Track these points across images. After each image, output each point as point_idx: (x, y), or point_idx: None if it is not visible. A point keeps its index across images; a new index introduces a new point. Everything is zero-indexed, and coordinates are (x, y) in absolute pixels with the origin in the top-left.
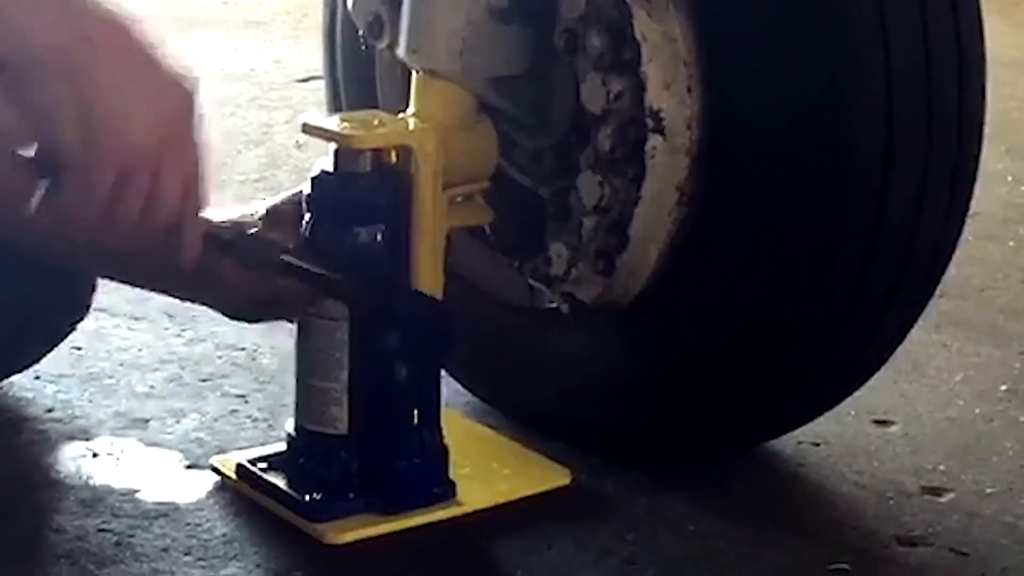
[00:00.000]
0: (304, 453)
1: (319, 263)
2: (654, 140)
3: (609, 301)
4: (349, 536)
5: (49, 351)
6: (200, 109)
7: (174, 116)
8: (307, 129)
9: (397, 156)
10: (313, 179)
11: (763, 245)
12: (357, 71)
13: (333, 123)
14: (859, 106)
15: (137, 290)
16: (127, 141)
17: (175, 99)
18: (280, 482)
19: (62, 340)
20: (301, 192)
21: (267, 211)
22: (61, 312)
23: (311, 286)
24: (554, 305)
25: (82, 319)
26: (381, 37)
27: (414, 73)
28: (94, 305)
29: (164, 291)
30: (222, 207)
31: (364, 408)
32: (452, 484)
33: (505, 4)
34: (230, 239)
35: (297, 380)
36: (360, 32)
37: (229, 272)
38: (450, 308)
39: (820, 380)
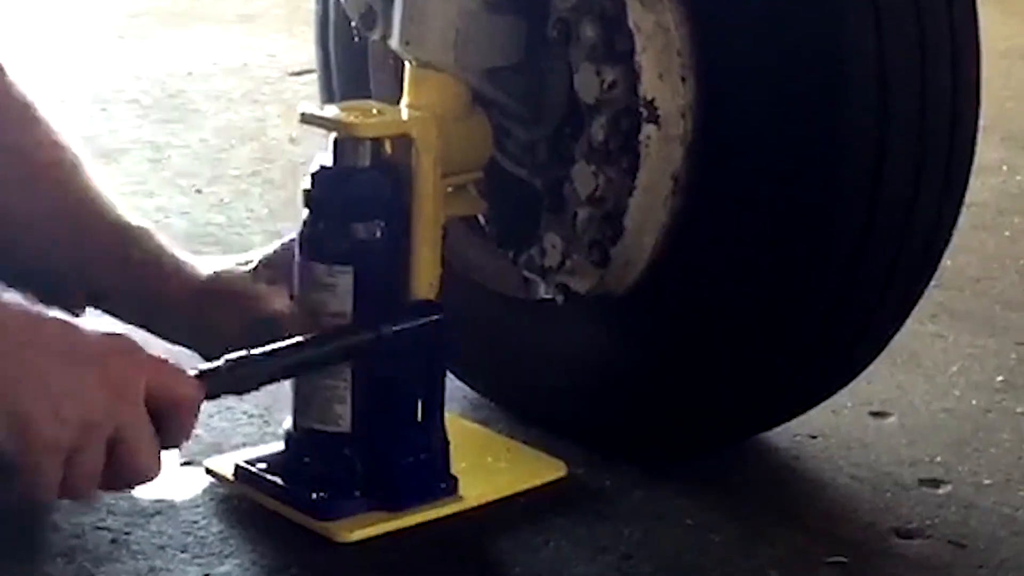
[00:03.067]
0: (306, 451)
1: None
2: (648, 130)
3: (604, 292)
4: (358, 534)
5: None
6: (141, 358)
7: (106, 383)
8: (305, 118)
9: (394, 147)
10: (312, 175)
11: (758, 234)
12: (350, 63)
13: (332, 112)
14: (853, 95)
15: None
16: (61, 425)
17: (103, 368)
18: (281, 481)
19: None
20: (293, 240)
21: (260, 262)
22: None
23: (309, 368)
24: (548, 296)
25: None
26: (374, 28)
27: (407, 64)
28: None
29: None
30: (216, 258)
31: (368, 405)
32: (454, 479)
33: None
34: (212, 383)
35: (295, 379)
36: (353, 24)
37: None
38: (450, 305)
39: (816, 370)
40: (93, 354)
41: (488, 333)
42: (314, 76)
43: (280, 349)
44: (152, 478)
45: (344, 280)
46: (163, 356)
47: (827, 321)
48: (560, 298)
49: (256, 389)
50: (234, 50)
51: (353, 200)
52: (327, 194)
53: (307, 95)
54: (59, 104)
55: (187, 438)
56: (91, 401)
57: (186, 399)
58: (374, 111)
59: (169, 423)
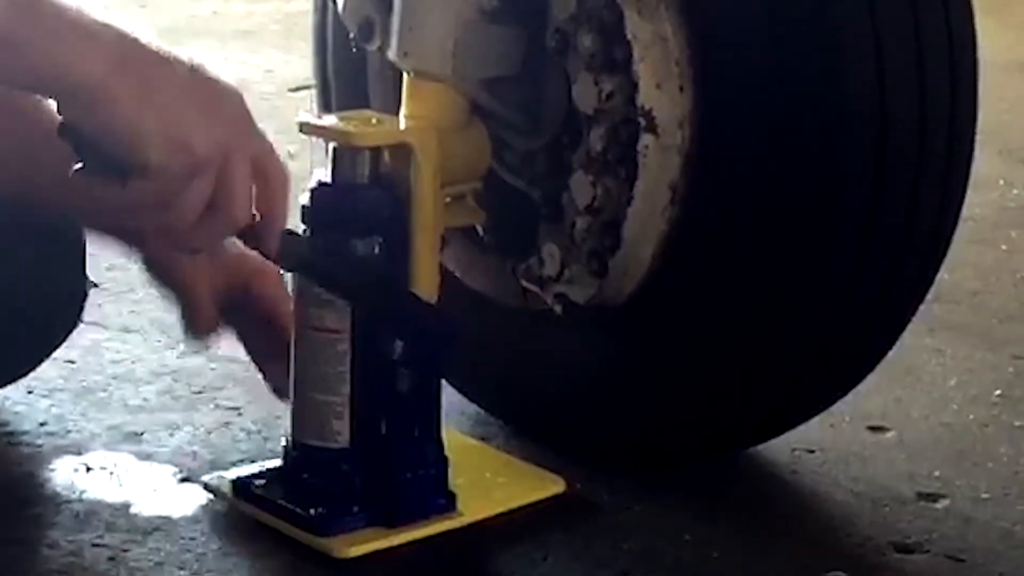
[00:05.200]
0: (305, 468)
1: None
2: (646, 140)
3: (602, 302)
4: (356, 550)
5: (41, 361)
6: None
7: (231, 121)
8: (304, 128)
9: (393, 157)
10: (310, 191)
11: (756, 245)
12: (348, 75)
13: (331, 121)
14: (851, 105)
15: (130, 303)
16: (192, 150)
17: (230, 105)
18: (280, 497)
19: (54, 350)
20: None
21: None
22: (53, 321)
23: (325, 286)
24: (547, 306)
25: (75, 327)
26: (372, 39)
27: (405, 75)
28: (87, 319)
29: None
30: None
31: (366, 421)
32: (452, 495)
33: (496, 5)
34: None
35: (295, 394)
36: (351, 34)
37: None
38: (449, 316)
39: (815, 381)
40: (235, 109)
41: (486, 343)
42: (312, 92)
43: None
44: (233, 229)
45: None
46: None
47: (825, 332)
48: (559, 308)
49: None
50: (232, 66)
51: (351, 216)
52: (325, 210)
53: (305, 111)
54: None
55: (279, 220)
56: (219, 134)
57: (282, 182)
58: (373, 121)
59: (265, 197)
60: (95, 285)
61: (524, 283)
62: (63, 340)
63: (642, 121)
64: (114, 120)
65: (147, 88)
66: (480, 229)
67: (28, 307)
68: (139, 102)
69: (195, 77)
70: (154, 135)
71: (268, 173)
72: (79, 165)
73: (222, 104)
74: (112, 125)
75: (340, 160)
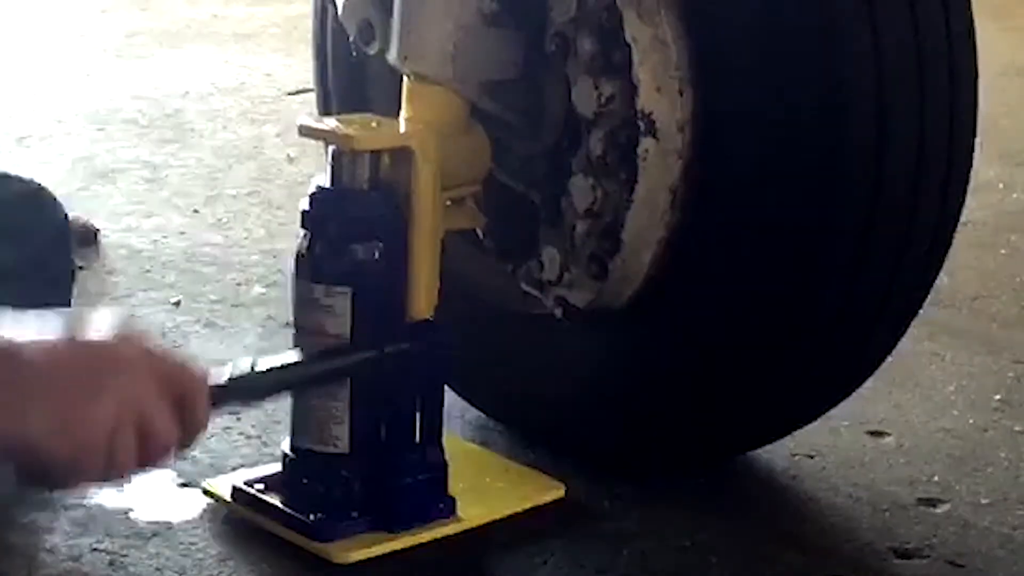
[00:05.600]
0: (305, 472)
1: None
2: (646, 143)
3: (602, 305)
4: (356, 555)
5: None
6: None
7: (121, 377)
8: (304, 131)
9: (393, 160)
10: (310, 195)
11: (756, 248)
12: (347, 79)
13: (331, 124)
14: (851, 108)
15: (129, 308)
16: (89, 431)
17: (113, 362)
18: (279, 502)
19: None
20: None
21: None
22: (47, 300)
23: (309, 384)
24: (547, 310)
25: (67, 307)
26: (372, 43)
27: (405, 78)
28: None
29: None
30: None
31: (366, 426)
32: (452, 500)
33: (496, 8)
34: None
35: (294, 399)
36: (351, 38)
37: None
38: (448, 325)
39: (814, 385)
40: (110, 355)
41: (486, 347)
42: (311, 96)
43: (283, 364)
44: (171, 455)
45: (342, 301)
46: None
47: (825, 336)
48: (559, 311)
49: (258, 403)
50: (231, 70)
51: (351, 221)
52: (325, 215)
53: (305, 114)
54: (56, 124)
55: (203, 423)
56: (118, 394)
57: (196, 383)
58: (373, 124)
59: (184, 409)
60: (81, 267)
61: (524, 286)
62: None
63: (642, 125)
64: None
65: (20, 397)
66: (480, 232)
67: (21, 286)
68: (15, 415)
69: (68, 357)
70: (44, 440)
71: (182, 386)
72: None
73: (103, 369)
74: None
75: (340, 163)
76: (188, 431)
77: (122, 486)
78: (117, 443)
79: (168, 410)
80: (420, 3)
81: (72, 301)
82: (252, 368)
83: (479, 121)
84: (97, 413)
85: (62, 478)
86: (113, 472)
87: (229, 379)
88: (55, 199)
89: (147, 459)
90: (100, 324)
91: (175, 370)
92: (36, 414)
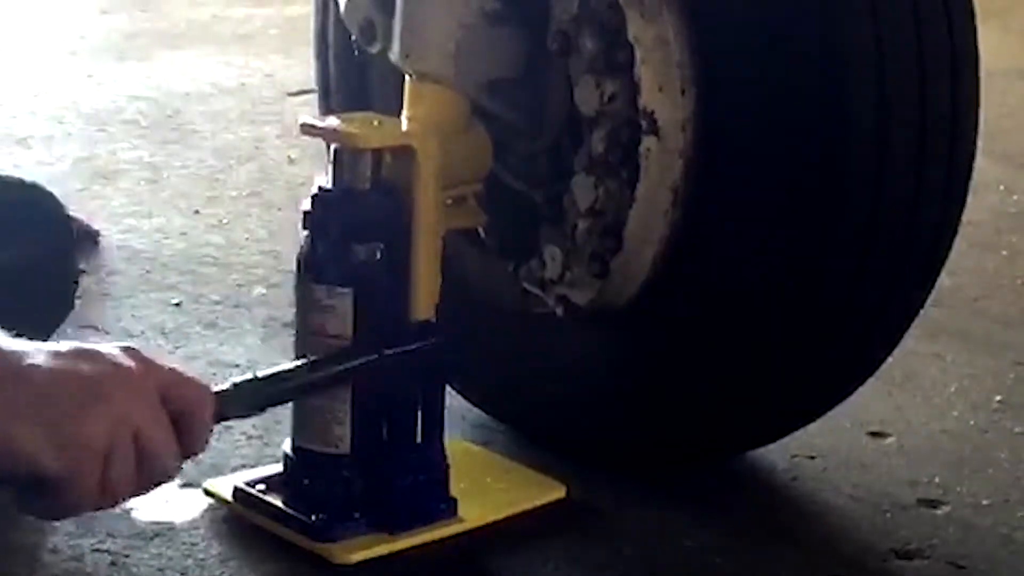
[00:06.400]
0: (306, 473)
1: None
2: (648, 142)
3: (604, 304)
4: (357, 556)
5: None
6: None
7: (117, 393)
8: (306, 129)
9: (394, 159)
10: (312, 196)
11: (757, 247)
12: (349, 78)
13: (333, 123)
14: (853, 108)
15: (130, 308)
16: (85, 444)
17: (108, 378)
18: (281, 503)
19: (52, 333)
20: None
21: None
22: (50, 303)
23: (311, 391)
24: (549, 308)
25: (72, 308)
26: (374, 42)
27: (407, 77)
28: (86, 323)
29: None
30: None
31: (367, 427)
32: (454, 501)
33: (498, 7)
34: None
35: (296, 401)
36: (353, 37)
37: None
38: (449, 325)
39: (815, 384)
40: (108, 370)
41: (487, 346)
42: (312, 97)
43: (284, 371)
44: (172, 475)
45: (344, 302)
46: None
47: (826, 335)
48: (560, 310)
49: (260, 412)
50: (232, 70)
51: (353, 222)
52: (327, 216)
53: (306, 115)
54: (57, 125)
55: (205, 441)
56: (115, 410)
57: (199, 400)
58: (375, 123)
59: (185, 426)
60: (84, 271)
61: (525, 285)
62: (61, 321)
63: (644, 123)
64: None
65: (14, 414)
66: (481, 231)
67: (25, 289)
68: (9, 432)
69: (65, 372)
70: (38, 458)
71: (183, 401)
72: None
73: (100, 384)
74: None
75: (342, 162)
76: (188, 448)
77: (120, 507)
78: (114, 460)
79: (167, 426)
80: (422, 2)
81: (75, 303)
82: (254, 379)
83: (481, 120)
84: (92, 429)
85: (59, 499)
86: (108, 495)
87: (231, 388)
88: (57, 201)
89: (145, 477)
90: (101, 346)
91: (177, 385)
92: (30, 431)
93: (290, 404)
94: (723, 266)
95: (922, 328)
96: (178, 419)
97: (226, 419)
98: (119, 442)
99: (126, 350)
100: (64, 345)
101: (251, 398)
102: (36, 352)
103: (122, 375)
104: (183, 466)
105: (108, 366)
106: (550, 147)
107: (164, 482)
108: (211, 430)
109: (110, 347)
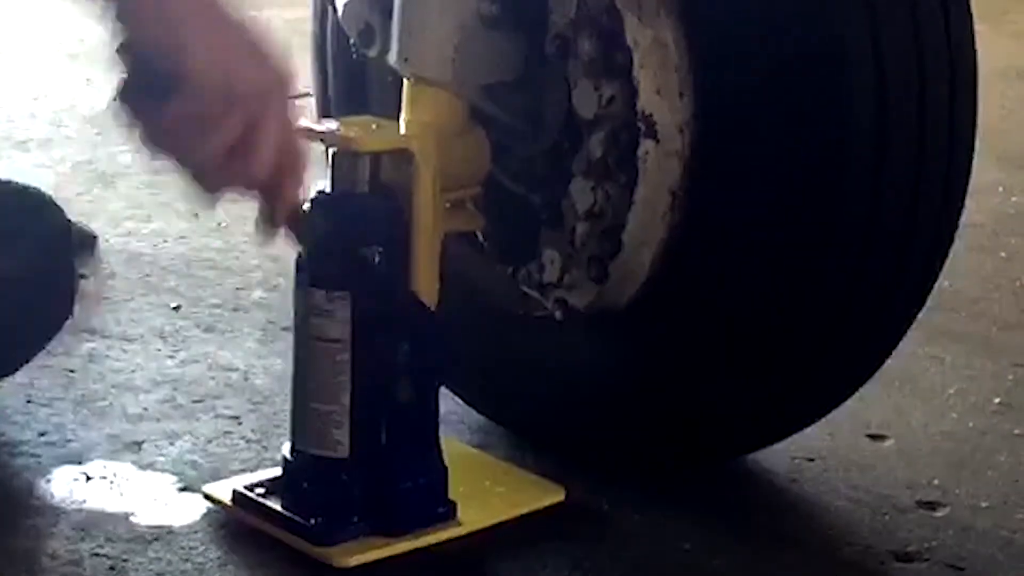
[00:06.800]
0: (305, 477)
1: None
2: (646, 145)
3: (603, 307)
4: (356, 559)
5: (41, 349)
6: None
7: (275, 79)
8: (304, 133)
9: (393, 163)
10: (310, 200)
11: (756, 250)
12: (347, 81)
13: (331, 126)
14: (851, 110)
15: (129, 311)
16: (231, 83)
17: (277, 71)
18: (280, 507)
19: (51, 338)
20: None
21: None
22: (48, 309)
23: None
24: (548, 312)
25: (70, 315)
26: (372, 45)
27: (405, 81)
28: (85, 327)
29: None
30: None
31: (366, 430)
32: (452, 504)
33: (496, 11)
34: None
35: (295, 403)
36: (351, 41)
37: None
38: (448, 322)
39: (814, 386)
40: (276, 58)
41: (485, 349)
42: (309, 101)
43: None
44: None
45: (342, 306)
46: None
47: (825, 337)
48: (559, 313)
49: None
50: None
51: (351, 226)
52: (325, 219)
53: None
54: (56, 129)
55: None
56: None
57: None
58: (373, 126)
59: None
60: (84, 276)
61: (524, 288)
62: (59, 328)
63: (642, 126)
64: (166, 37)
65: (205, 18)
66: (480, 235)
67: (24, 296)
68: (192, 27)
69: (253, 31)
70: (199, 58)
71: (291, 148)
72: (124, 79)
73: (271, 64)
74: (163, 40)
75: (340, 166)
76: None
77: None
78: (229, 120)
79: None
80: (420, 5)
81: (74, 310)
82: None
83: (479, 123)
84: (243, 70)
85: (184, 106)
86: (200, 145)
87: None
88: (57, 205)
89: (233, 168)
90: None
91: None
92: (198, 43)
93: (289, 407)
94: (722, 268)
95: (921, 330)
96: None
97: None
98: (240, 112)
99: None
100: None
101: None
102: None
103: (283, 84)
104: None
105: (284, 74)
106: (548, 150)
107: (241, 185)
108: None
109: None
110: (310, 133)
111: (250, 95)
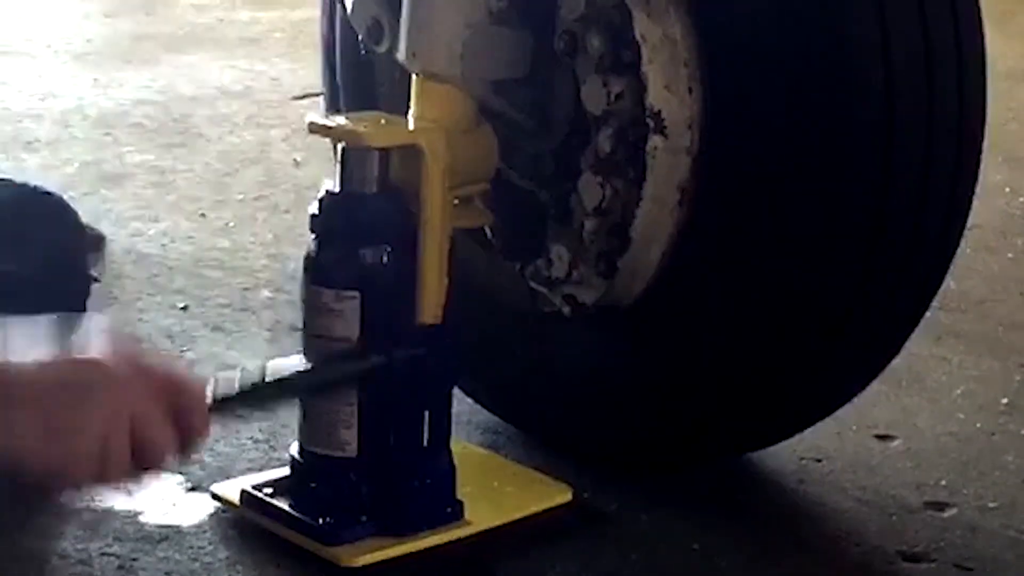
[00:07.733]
0: (313, 477)
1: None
2: (655, 141)
3: (611, 303)
4: (365, 559)
5: None
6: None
7: (110, 393)
8: (314, 128)
9: (402, 159)
10: (319, 200)
11: (764, 246)
12: (356, 78)
13: (340, 122)
14: (859, 110)
15: (136, 312)
16: (78, 443)
17: (103, 380)
18: (288, 507)
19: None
20: None
21: None
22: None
23: (317, 391)
24: (556, 308)
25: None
26: (381, 41)
27: (414, 77)
28: None
29: None
30: None
31: (374, 430)
32: (460, 504)
33: (504, 7)
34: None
35: (303, 403)
36: (360, 37)
37: None
38: (456, 327)
39: (821, 384)
40: (97, 366)
41: (494, 345)
42: (317, 100)
43: (291, 374)
44: (166, 458)
45: (351, 305)
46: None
47: (832, 336)
48: (567, 309)
49: (265, 410)
50: (237, 74)
51: (360, 225)
52: (334, 219)
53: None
54: (63, 129)
55: (201, 432)
56: (107, 402)
57: (191, 390)
58: (382, 121)
59: (180, 418)
60: (96, 280)
61: (532, 284)
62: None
63: (651, 122)
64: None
65: (9, 409)
66: (488, 231)
67: (38, 297)
68: (3, 428)
69: (58, 370)
70: (34, 450)
71: (177, 393)
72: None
73: (92, 380)
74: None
75: (348, 161)
76: (186, 438)
77: (126, 490)
78: (110, 449)
79: (163, 417)
80: (429, 2)
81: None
82: (261, 375)
83: (487, 119)
84: (87, 421)
85: (56, 486)
86: (109, 477)
87: (236, 389)
88: (71, 208)
89: (143, 464)
90: (92, 332)
91: (169, 378)
92: (25, 425)
93: (297, 407)
94: (730, 264)
95: (928, 330)
96: (173, 410)
97: (230, 414)
98: (115, 431)
99: (116, 346)
100: (56, 342)
101: (254, 398)
102: (28, 349)
103: (114, 370)
104: (187, 459)
105: (99, 362)
106: (557, 146)
107: (163, 467)
108: (208, 420)
109: (101, 344)
110: (320, 128)
111: (100, 432)
